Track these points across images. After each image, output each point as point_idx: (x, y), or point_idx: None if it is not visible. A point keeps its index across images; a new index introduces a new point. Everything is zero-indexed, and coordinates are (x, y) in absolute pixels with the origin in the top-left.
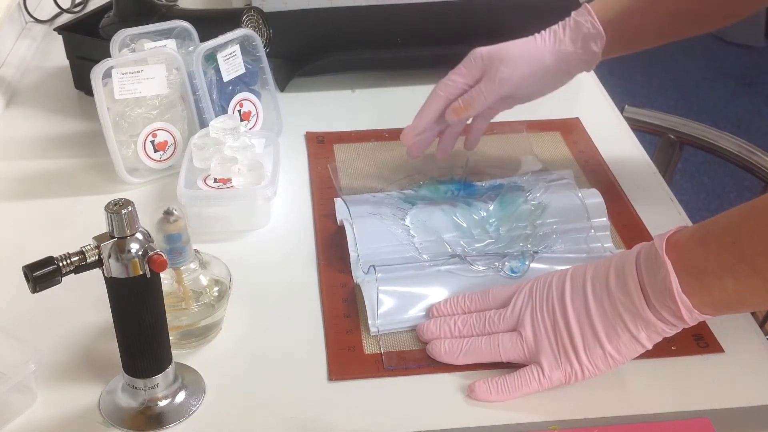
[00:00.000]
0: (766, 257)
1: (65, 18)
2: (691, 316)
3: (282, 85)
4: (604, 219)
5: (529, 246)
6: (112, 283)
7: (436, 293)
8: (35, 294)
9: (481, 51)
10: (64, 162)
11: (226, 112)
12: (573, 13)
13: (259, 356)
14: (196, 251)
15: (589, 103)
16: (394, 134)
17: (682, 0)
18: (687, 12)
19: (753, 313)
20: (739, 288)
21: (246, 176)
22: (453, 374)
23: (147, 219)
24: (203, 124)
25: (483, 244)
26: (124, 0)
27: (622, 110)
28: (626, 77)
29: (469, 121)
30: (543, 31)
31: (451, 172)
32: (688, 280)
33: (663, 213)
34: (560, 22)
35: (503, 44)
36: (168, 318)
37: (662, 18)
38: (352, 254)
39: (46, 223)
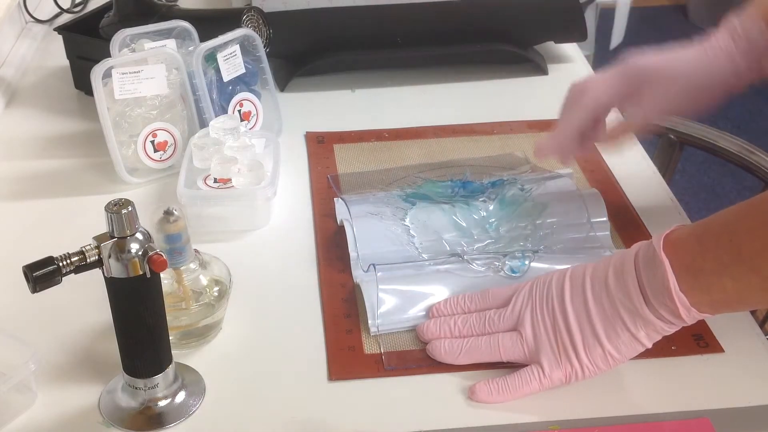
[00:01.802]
0: (764, 256)
1: (65, 18)
2: (690, 315)
3: (282, 85)
4: (604, 219)
5: (529, 246)
6: (112, 283)
7: (436, 293)
8: (35, 294)
9: (642, 62)
10: (64, 162)
11: (226, 112)
12: (737, 23)
13: (259, 356)
14: (196, 251)
15: None
16: (394, 134)
17: None
18: None
19: (753, 313)
20: (737, 286)
21: (246, 176)
22: (453, 374)
23: (147, 219)
24: (203, 124)
25: (483, 244)
26: (124, 0)
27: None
28: None
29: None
30: (708, 43)
31: (451, 172)
32: (686, 278)
33: (663, 213)
34: (725, 30)
35: (667, 57)
36: (168, 318)
37: None
38: (352, 254)
39: (46, 223)
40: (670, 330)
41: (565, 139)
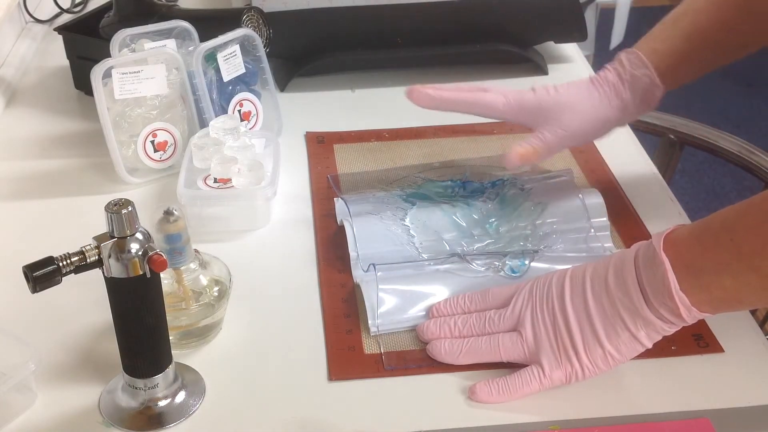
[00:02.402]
0: (764, 255)
1: (65, 18)
2: (690, 314)
3: (282, 85)
4: (604, 219)
5: (529, 246)
6: (112, 283)
7: (436, 293)
8: (35, 294)
9: (541, 99)
10: (64, 162)
11: (226, 112)
12: (627, 63)
13: (259, 356)
14: (196, 251)
15: None
16: (394, 134)
17: (728, 38)
18: (732, 47)
19: (753, 313)
20: (737, 286)
21: (246, 176)
22: (453, 374)
23: (147, 219)
24: (203, 124)
25: (483, 244)
26: (124, 0)
27: None
28: None
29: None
30: (599, 81)
31: (451, 172)
32: (686, 278)
33: (663, 213)
34: (612, 69)
35: (566, 92)
36: (168, 318)
37: (712, 55)
38: (352, 254)
39: (46, 223)
40: (670, 330)
41: (445, 99)
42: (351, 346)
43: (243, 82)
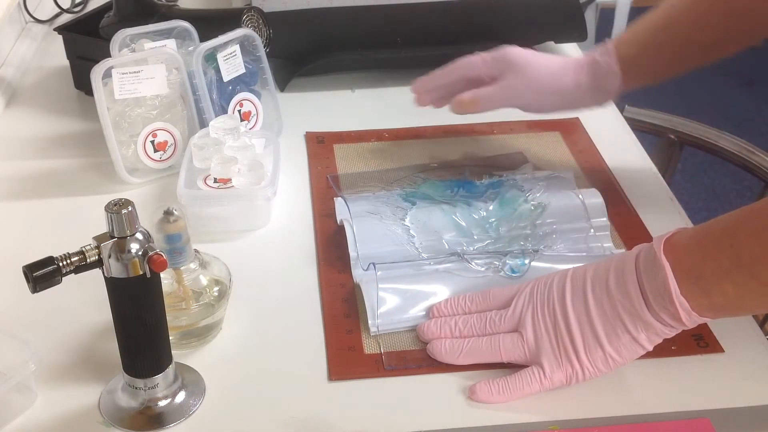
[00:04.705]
0: (765, 262)
1: (65, 18)
2: (690, 319)
3: (282, 85)
4: (604, 219)
5: (529, 246)
6: (112, 283)
7: (436, 293)
8: (35, 294)
9: (512, 53)
10: (64, 162)
11: (226, 112)
12: (597, 49)
13: (259, 356)
14: (196, 251)
15: None
16: (394, 134)
17: (702, 35)
18: (707, 44)
19: None
20: (737, 292)
21: (246, 176)
22: (453, 374)
23: (147, 219)
24: (203, 124)
25: (483, 244)
26: (124, 0)
27: (622, 110)
28: None
29: None
30: (572, 58)
31: (451, 172)
32: (687, 282)
33: (663, 213)
34: (587, 54)
35: (534, 55)
36: (168, 318)
37: (683, 51)
38: (352, 254)
39: (46, 223)
40: (670, 333)
41: (432, 86)
42: (351, 346)
43: (243, 82)
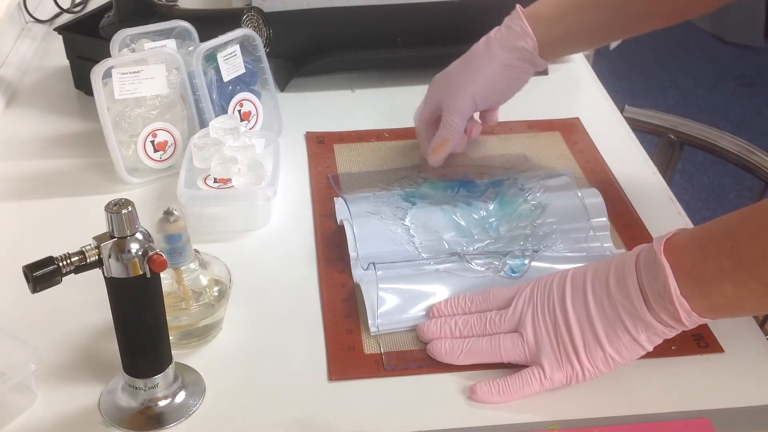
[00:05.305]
0: (765, 262)
1: (65, 18)
2: (690, 320)
3: (282, 85)
4: (604, 219)
5: (529, 246)
6: (112, 283)
7: (436, 293)
8: (35, 294)
9: (434, 80)
10: (64, 162)
11: (226, 112)
12: (506, 19)
13: (259, 356)
14: (196, 251)
15: (589, 103)
16: (394, 134)
17: (615, 3)
18: (629, 12)
19: None
20: (738, 292)
21: (246, 176)
22: (453, 374)
23: (147, 219)
24: (203, 124)
25: (483, 244)
26: (124, 0)
27: (622, 110)
28: (626, 77)
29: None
30: (480, 42)
31: (451, 172)
32: (687, 283)
33: (663, 213)
34: (496, 28)
35: (451, 67)
36: (168, 318)
37: (602, 15)
38: (352, 254)
39: (46, 223)
40: (670, 334)
41: (423, 141)
42: (351, 346)
43: (243, 82)
